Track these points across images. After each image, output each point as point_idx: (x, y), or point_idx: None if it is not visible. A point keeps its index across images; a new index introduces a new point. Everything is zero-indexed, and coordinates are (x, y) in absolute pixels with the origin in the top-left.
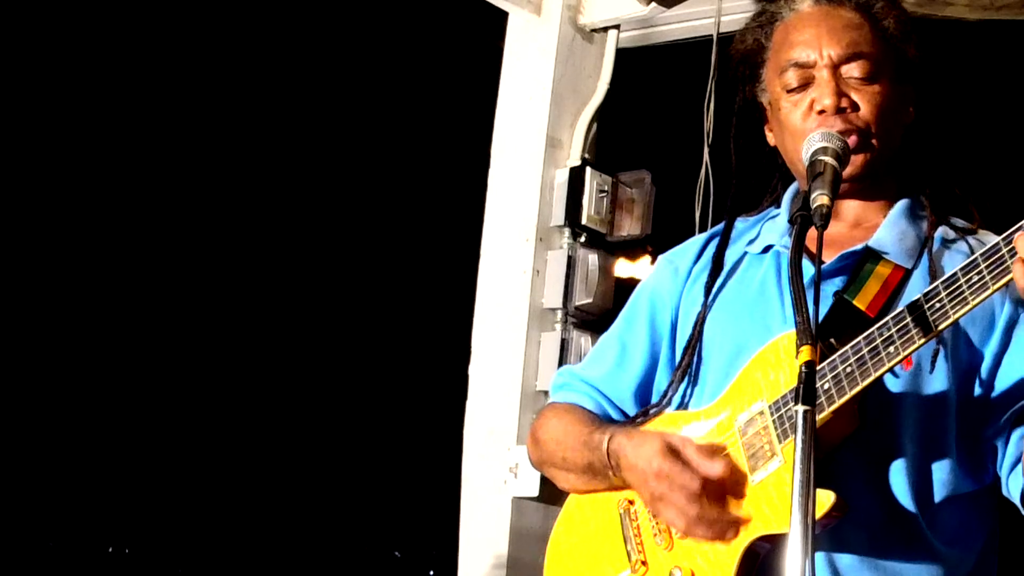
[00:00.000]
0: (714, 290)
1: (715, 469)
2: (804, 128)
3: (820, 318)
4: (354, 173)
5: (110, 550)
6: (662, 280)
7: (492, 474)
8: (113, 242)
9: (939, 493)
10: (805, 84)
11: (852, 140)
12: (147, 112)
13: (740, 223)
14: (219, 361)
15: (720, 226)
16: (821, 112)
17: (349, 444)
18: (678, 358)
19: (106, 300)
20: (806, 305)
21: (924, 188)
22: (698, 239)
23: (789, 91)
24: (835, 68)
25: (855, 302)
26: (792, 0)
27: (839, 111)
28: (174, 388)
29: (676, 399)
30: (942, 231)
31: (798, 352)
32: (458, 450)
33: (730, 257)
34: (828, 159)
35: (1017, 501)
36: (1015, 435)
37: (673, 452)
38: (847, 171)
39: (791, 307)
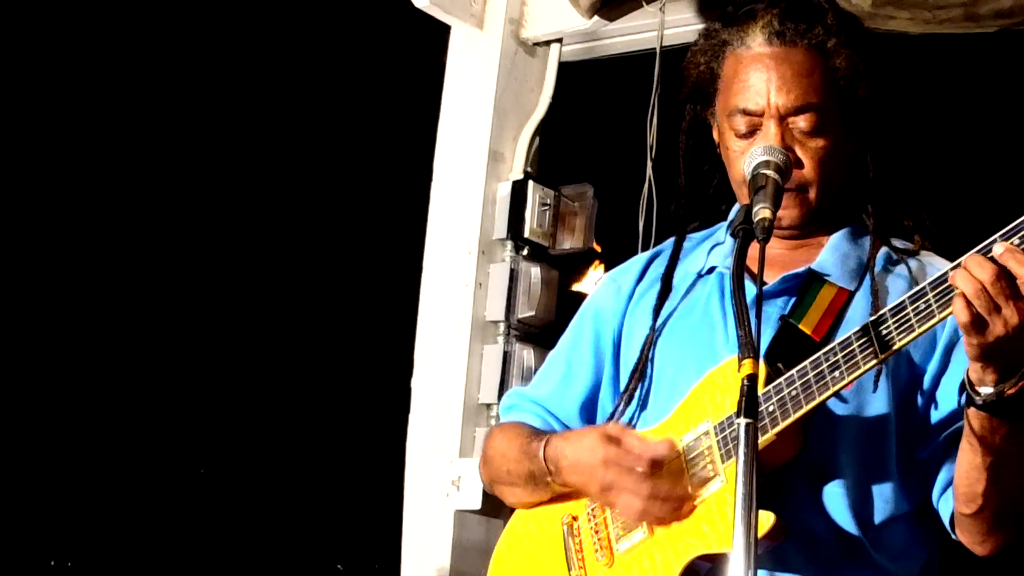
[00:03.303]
0: (662, 312)
1: (659, 448)
2: (747, 175)
3: (767, 342)
4: (295, 186)
5: (52, 563)
6: (605, 299)
7: (434, 487)
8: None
9: (881, 513)
10: (752, 131)
11: (789, 196)
12: (93, 116)
13: (687, 242)
14: (159, 372)
15: (664, 245)
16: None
17: (291, 457)
18: (623, 378)
19: (43, 311)
20: (748, 319)
21: (866, 209)
22: (641, 257)
23: (737, 136)
24: (782, 119)
25: (800, 326)
26: (744, 32)
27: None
28: (113, 401)
29: (623, 421)
30: (884, 252)
31: (740, 366)
32: (400, 463)
33: (676, 278)
34: (770, 173)
35: (947, 523)
36: (947, 460)
37: (614, 440)
38: (784, 219)
39: (733, 334)
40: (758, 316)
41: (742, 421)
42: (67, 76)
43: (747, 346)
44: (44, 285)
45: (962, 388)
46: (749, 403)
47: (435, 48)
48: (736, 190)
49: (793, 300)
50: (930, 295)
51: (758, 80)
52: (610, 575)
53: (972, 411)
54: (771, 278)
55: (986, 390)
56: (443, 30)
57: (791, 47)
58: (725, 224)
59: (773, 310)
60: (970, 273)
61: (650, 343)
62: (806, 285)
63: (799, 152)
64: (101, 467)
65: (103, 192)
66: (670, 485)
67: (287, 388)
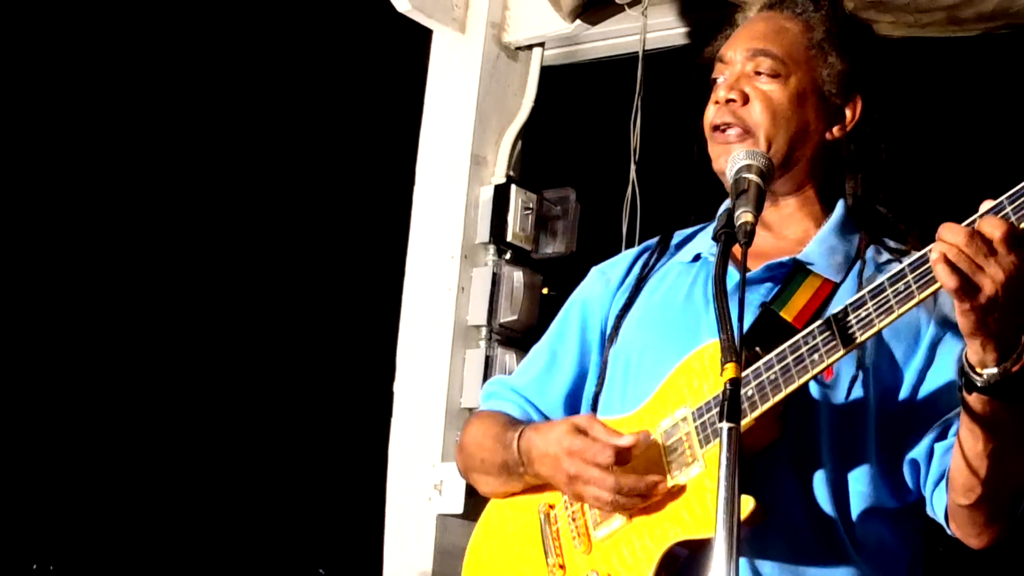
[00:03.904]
0: (641, 296)
1: (624, 439)
2: (709, 121)
3: (745, 329)
4: (279, 190)
5: (35, 567)
6: (593, 290)
7: (417, 491)
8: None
9: (858, 504)
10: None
11: (734, 133)
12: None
13: (677, 236)
14: (142, 377)
15: (654, 240)
16: (716, 103)
17: (273, 460)
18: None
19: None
20: (730, 322)
21: (857, 207)
22: (632, 251)
23: (714, 86)
24: (744, 64)
25: (782, 313)
26: (745, 8)
27: (729, 102)
28: (96, 406)
29: (600, 408)
30: (873, 251)
31: (723, 370)
32: (383, 467)
33: (666, 268)
34: (752, 176)
35: (941, 517)
36: (938, 450)
37: (581, 431)
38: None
39: (713, 319)
40: (740, 314)
41: (725, 425)
42: (42, 82)
43: (729, 349)
44: (8, 292)
45: (960, 374)
46: (732, 407)
47: (417, 52)
48: (707, 143)
49: (776, 288)
50: (909, 276)
51: (739, 34)
52: (588, 562)
53: (974, 396)
54: (755, 268)
55: (989, 371)
56: (425, 34)
57: (777, 12)
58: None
59: (755, 296)
60: (945, 240)
61: (616, 329)
62: (791, 275)
63: (748, 90)
64: (83, 471)
65: (73, 195)
66: (640, 475)
67: (270, 392)
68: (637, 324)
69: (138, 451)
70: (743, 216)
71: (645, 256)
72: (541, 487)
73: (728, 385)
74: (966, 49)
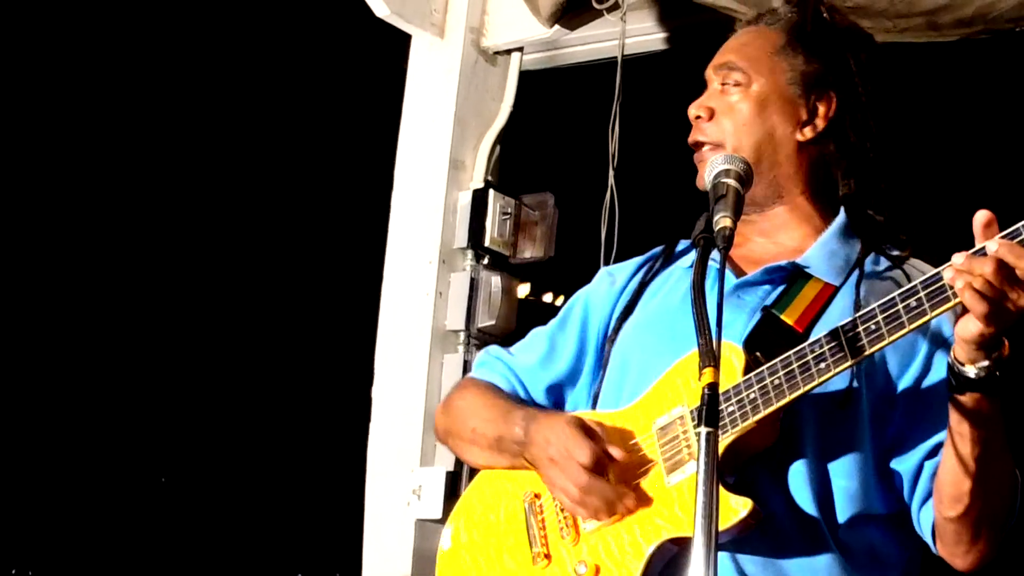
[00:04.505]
0: (642, 300)
1: (615, 452)
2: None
3: (747, 331)
4: (257, 194)
5: (13, 572)
6: (599, 289)
7: (395, 496)
8: None
9: (847, 508)
10: None
11: (706, 149)
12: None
13: (682, 243)
14: (118, 382)
15: (661, 248)
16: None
17: (252, 465)
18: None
19: None
20: (709, 327)
21: (854, 213)
22: (640, 257)
23: None
24: (714, 81)
25: (783, 317)
26: (737, 26)
27: (697, 119)
28: (73, 412)
29: (600, 404)
30: (873, 258)
31: (701, 374)
32: (361, 472)
33: (664, 272)
34: (731, 181)
35: (928, 535)
36: (928, 468)
37: (581, 426)
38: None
39: (714, 317)
40: (719, 320)
41: (703, 430)
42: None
43: (707, 354)
44: None
45: (951, 373)
46: (710, 412)
47: (396, 57)
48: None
49: (776, 291)
50: (922, 293)
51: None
52: (575, 553)
53: (966, 395)
54: (753, 272)
55: (982, 363)
56: (404, 39)
57: (751, 27)
58: None
59: (753, 299)
60: (972, 271)
61: (616, 330)
62: (791, 278)
63: (714, 105)
64: (60, 477)
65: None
66: (619, 491)
67: (249, 397)
68: (636, 326)
69: (116, 457)
70: (721, 221)
71: (651, 263)
72: (525, 468)
73: (706, 390)
74: (946, 55)
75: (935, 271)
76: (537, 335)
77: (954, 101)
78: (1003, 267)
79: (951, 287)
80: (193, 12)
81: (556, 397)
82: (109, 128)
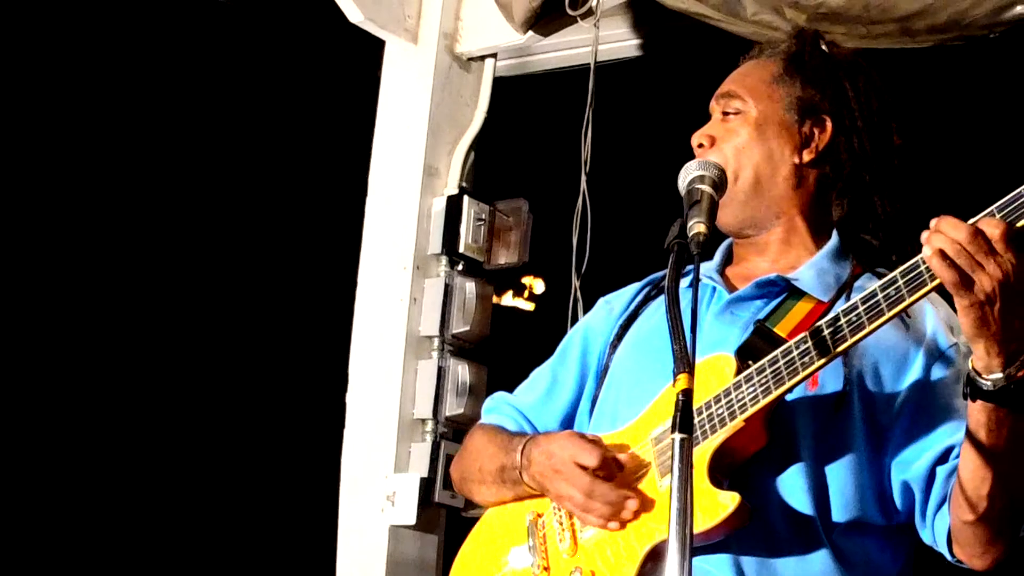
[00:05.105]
0: (637, 322)
1: (619, 456)
2: None
3: (739, 343)
4: (229, 200)
5: None
6: (597, 319)
7: (369, 502)
8: None
9: (843, 510)
10: None
11: None
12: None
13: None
14: (90, 387)
15: (658, 274)
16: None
17: (224, 473)
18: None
19: None
20: (683, 333)
21: (847, 234)
22: (638, 284)
23: None
24: (716, 111)
25: (776, 329)
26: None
27: (700, 147)
28: (47, 416)
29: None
30: (864, 279)
31: (675, 380)
32: (335, 478)
33: (660, 295)
34: (705, 187)
35: (943, 542)
36: (940, 473)
37: (583, 436)
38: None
39: (706, 336)
40: (693, 328)
41: (677, 436)
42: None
43: (682, 360)
44: None
45: (967, 382)
46: (684, 418)
47: (370, 63)
48: None
49: (769, 305)
50: (900, 281)
51: None
52: (572, 563)
53: (979, 404)
54: (745, 287)
55: (995, 376)
56: (378, 45)
57: (753, 59)
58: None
59: (745, 314)
60: (946, 234)
61: (611, 355)
62: (783, 295)
63: (715, 133)
64: (34, 484)
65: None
66: (619, 492)
67: (221, 402)
68: (631, 347)
69: (86, 464)
70: (695, 227)
71: (648, 288)
72: (531, 496)
73: (680, 396)
74: (918, 61)
75: (915, 259)
76: (538, 373)
77: (928, 108)
78: (979, 235)
79: (924, 263)
80: (164, 16)
81: (567, 427)
82: (78, 136)
